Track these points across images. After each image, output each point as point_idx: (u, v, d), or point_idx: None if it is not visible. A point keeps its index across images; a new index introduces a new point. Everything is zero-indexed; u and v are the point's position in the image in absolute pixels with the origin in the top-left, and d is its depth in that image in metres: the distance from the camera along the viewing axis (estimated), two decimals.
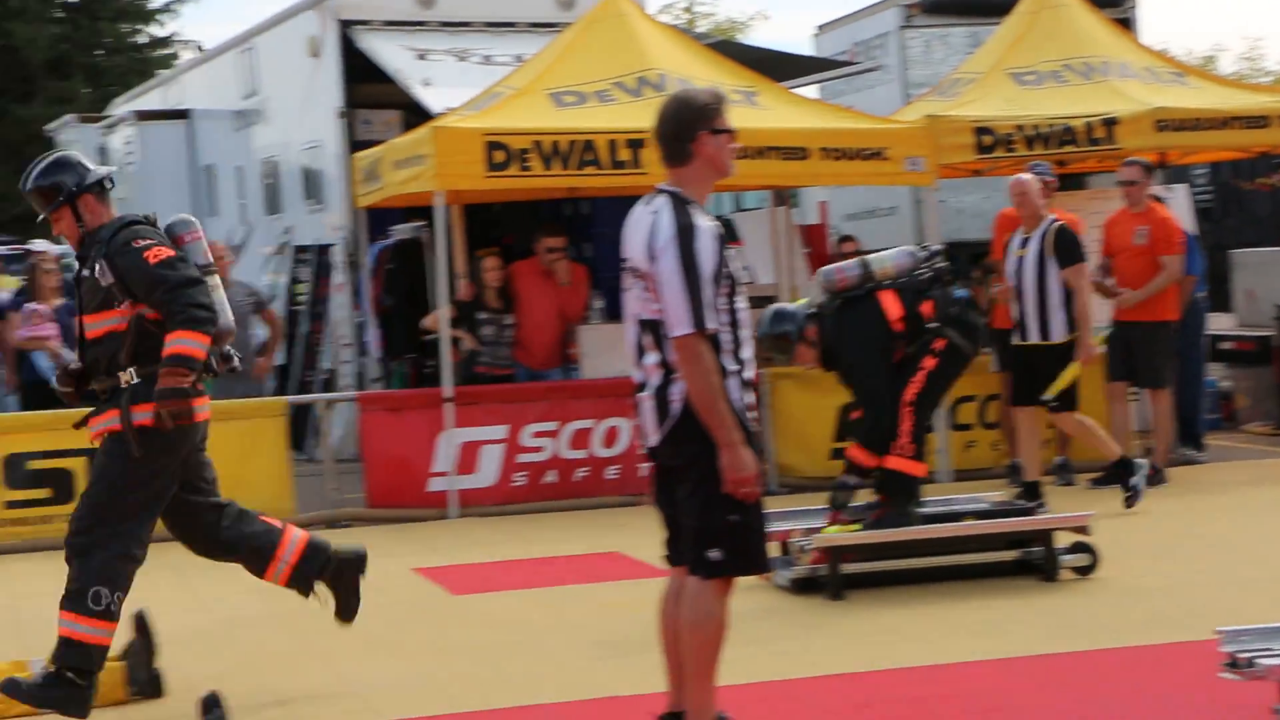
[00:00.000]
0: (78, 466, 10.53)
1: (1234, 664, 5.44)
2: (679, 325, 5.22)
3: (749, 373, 5.38)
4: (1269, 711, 5.44)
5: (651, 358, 5.38)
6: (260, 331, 12.42)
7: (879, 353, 8.31)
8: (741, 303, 5.40)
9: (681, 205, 5.32)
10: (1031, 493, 9.86)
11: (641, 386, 5.44)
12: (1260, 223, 16.39)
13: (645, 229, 5.35)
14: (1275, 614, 6.65)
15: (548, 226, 12.55)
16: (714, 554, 5.30)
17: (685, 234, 5.24)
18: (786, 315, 8.57)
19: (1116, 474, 10.47)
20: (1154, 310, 11.25)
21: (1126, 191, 11.48)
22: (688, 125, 5.37)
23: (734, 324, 5.35)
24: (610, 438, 11.49)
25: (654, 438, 5.41)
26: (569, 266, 12.20)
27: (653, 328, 5.36)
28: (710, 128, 5.36)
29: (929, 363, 8.28)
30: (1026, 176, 10.50)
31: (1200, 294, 12.09)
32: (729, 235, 15.44)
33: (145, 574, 9.33)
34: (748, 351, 5.38)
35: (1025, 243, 10.34)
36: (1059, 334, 10.18)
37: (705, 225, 5.29)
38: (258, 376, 11.94)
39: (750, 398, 5.37)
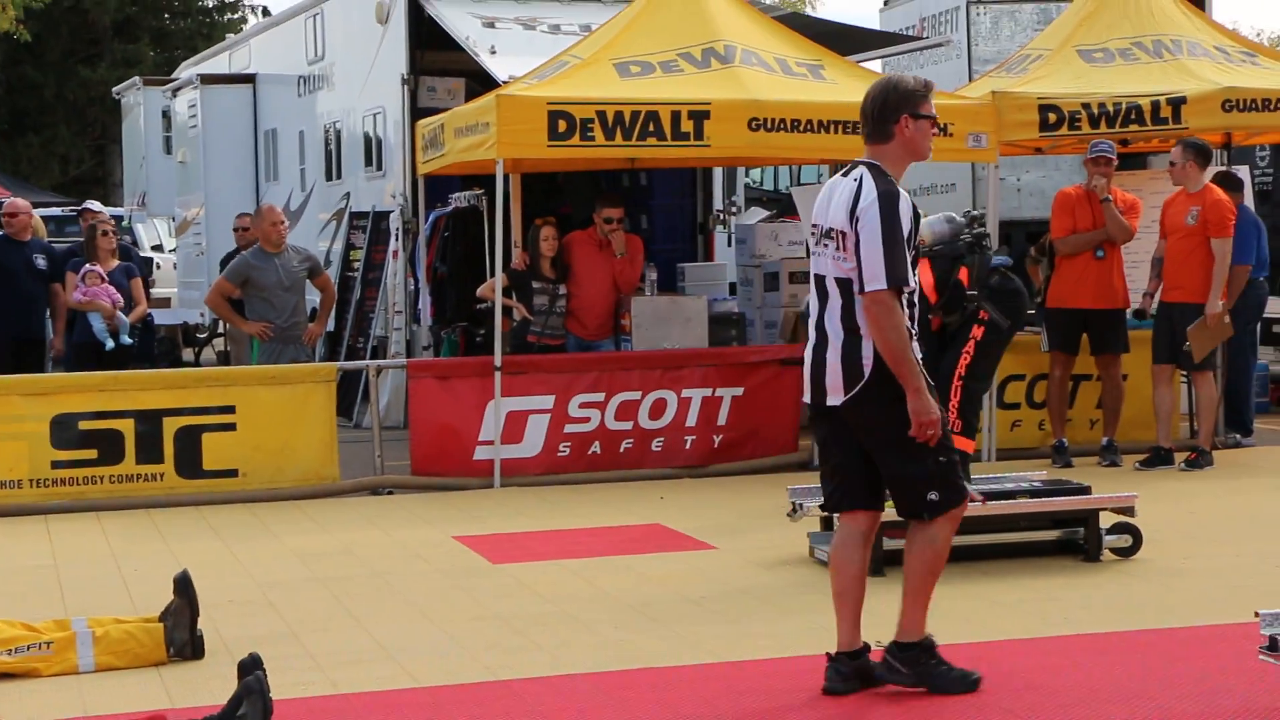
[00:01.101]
0: (127, 428, 10.63)
1: (1273, 646, 5.38)
2: (874, 280, 5.67)
3: (913, 329, 5.81)
4: None
5: (834, 318, 5.83)
6: (313, 297, 12.47)
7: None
8: (913, 278, 5.79)
9: (881, 175, 5.78)
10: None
11: (820, 346, 5.89)
12: None
13: (848, 193, 5.77)
14: None
15: (607, 197, 12.52)
16: (933, 495, 5.82)
17: (888, 199, 5.70)
18: None
19: (1161, 457, 10.65)
20: (1200, 292, 11.05)
21: (1170, 172, 11.33)
22: (892, 108, 5.82)
23: (911, 294, 5.79)
24: (657, 410, 11.43)
25: (837, 397, 5.84)
26: (625, 238, 12.15)
27: (844, 287, 5.80)
28: (913, 112, 5.82)
29: (976, 333, 8.21)
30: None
31: (1261, 278, 11.88)
32: (787, 209, 15.26)
33: (187, 538, 9.49)
34: (918, 317, 5.87)
35: None
36: None
37: (905, 195, 5.76)
38: (308, 342, 11.97)
39: (916, 351, 5.80)
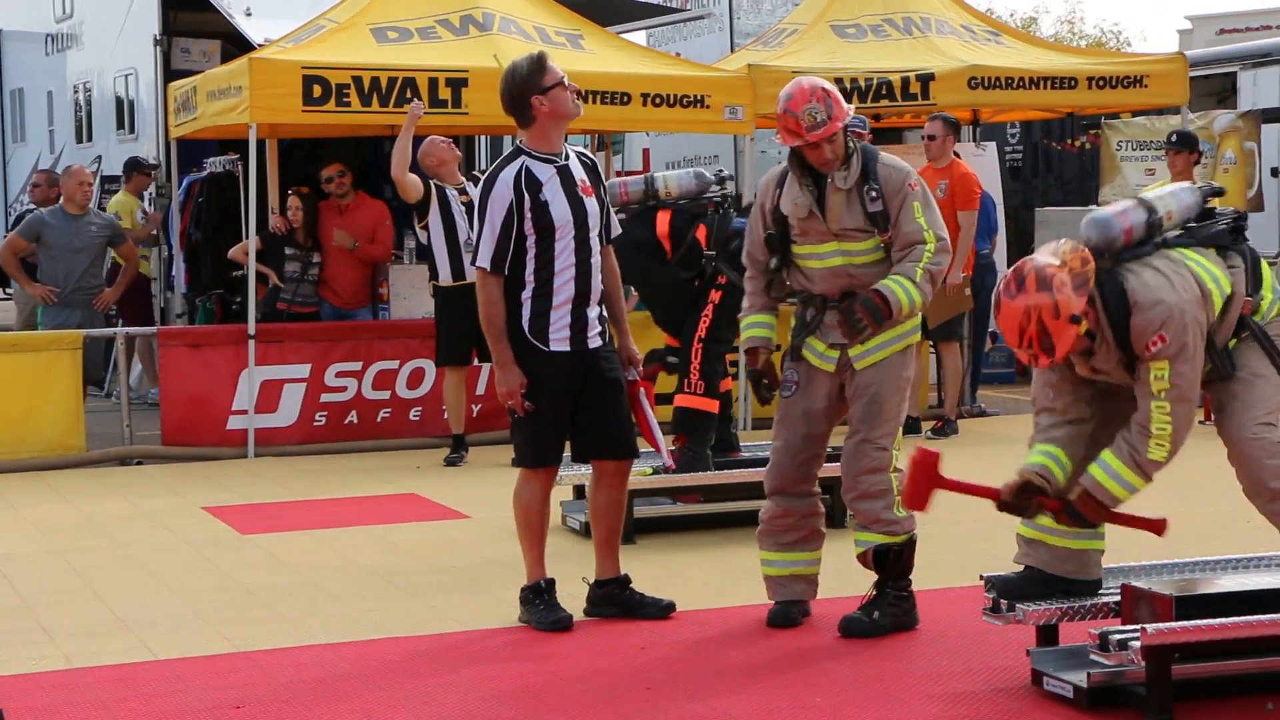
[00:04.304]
0: None
1: (995, 608, 5.57)
2: (478, 258, 6.26)
3: (561, 298, 6.24)
4: (1023, 653, 5.56)
5: None
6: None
7: (654, 260, 8.29)
8: (563, 240, 6.22)
9: (509, 158, 6.28)
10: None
11: None
12: (1067, 183, 16.71)
13: None
14: None
15: (326, 159, 12.34)
16: (515, 452, 6.54)
17: (487, 184, 6.25)
18: None
19: (909, 425, 10.98)
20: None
21: (927, 146, 11.61)
22: (520, 98, 6.24)
23: (542, 259, 6.22)
24: (415, 379, 11.38)
25: None
26: (370, 208, 12.01)
27: None
28: (539, 90, 6.21)
29: (715, 296, 8.24)
30: (445, 141, 10.59)
31: (984, 251, 12.16)
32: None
33: None
34: (561, 282, 6.23)
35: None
36: None
37: (505, 176, 6.20)
38: (99, 307, 11.75)
39: (561, 317, 6.25)
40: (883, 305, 6.11)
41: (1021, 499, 5.46)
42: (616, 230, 6.59)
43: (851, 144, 6.21)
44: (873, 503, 6.26)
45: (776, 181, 6.31)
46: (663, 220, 8.29)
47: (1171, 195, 5.46)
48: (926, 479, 5.48)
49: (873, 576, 6.42)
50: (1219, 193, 5.65)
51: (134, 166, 13.49)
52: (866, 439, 6.23)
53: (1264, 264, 5.49)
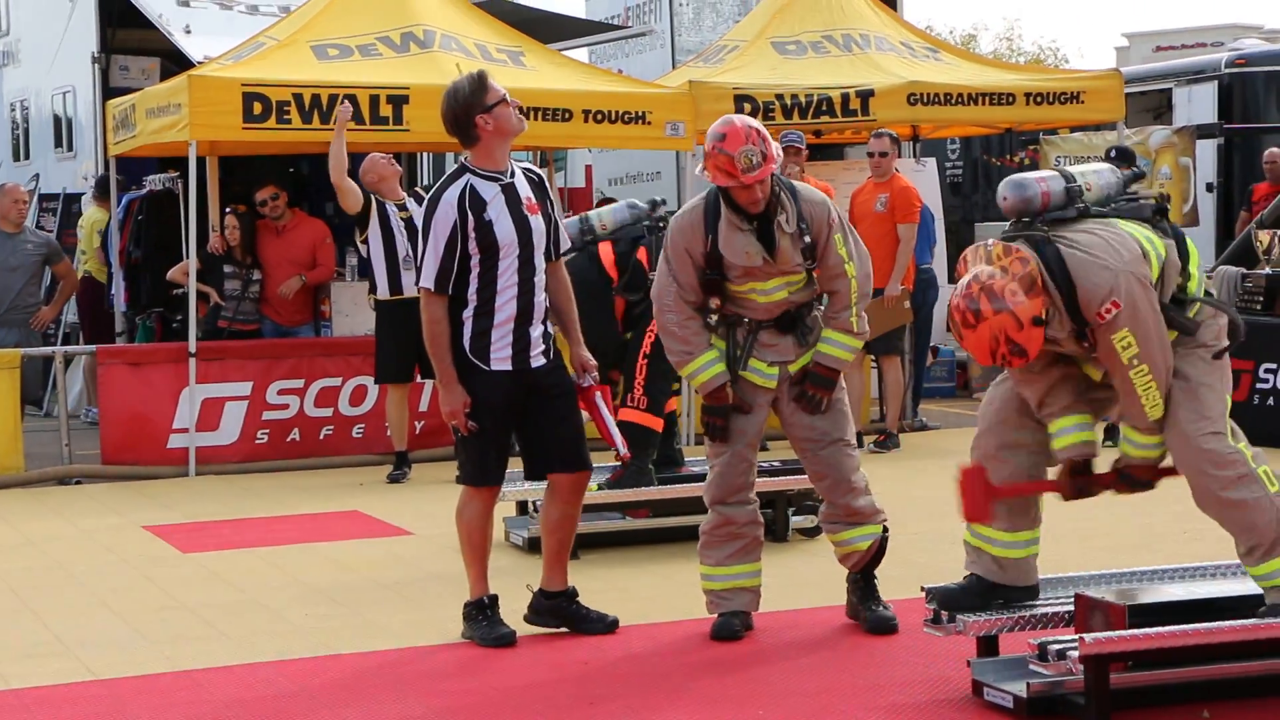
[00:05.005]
0: None
1: (936, 619, 5.61)
2: (419, 279, 6.25)
3: (502, 316, 6.22)
4: (964, 663, 5.61)
5: None
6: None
7: (595, 299, 8.27)
8: (507, 259, 6.19)
9: (454, 177, 6.24)
10: None
11: None
12: None
13: None
14: None
15: (263, 179, 12.34)
16: (458, 469, 6.54)
17: (431, 204, 6.23)
18: None
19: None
20: (885, 278, 11.37)
21: (875, 162, 11.67)
22: (463, 118, 6.19)
23: (485, 278, 6.19)
24: (357, 397, 11.36)
25: None
26: (310, 227, 12.00)
27: None
28: (482, 109, 6.18)
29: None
30: (385, 157, 10.56)
31: (924, 265, 12.21)
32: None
33: None
34: (503, 301, 6.21)
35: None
36: None
37: (449, 196, 6.16)
38: (36, 326, 11.68)
39: (502, 336, 6.23)
40: (831, 374, 6.35)
41: (1083, 484, 5.57)
42: (565, 244, 6.58)
43: (776, 184, 6.27)
44: (868, 496, 6.49)
45: (704, 226, 6.26)
46: (606, 251, 8.34)
47: (1092, 171, 5.56)
48: (983, 490, 5.54)
49: (842, 582, 6.66)
50: (1140, 176, 5.74)
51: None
52: (846, 442, 6.45)
53: (1189, 242, 5.55)
